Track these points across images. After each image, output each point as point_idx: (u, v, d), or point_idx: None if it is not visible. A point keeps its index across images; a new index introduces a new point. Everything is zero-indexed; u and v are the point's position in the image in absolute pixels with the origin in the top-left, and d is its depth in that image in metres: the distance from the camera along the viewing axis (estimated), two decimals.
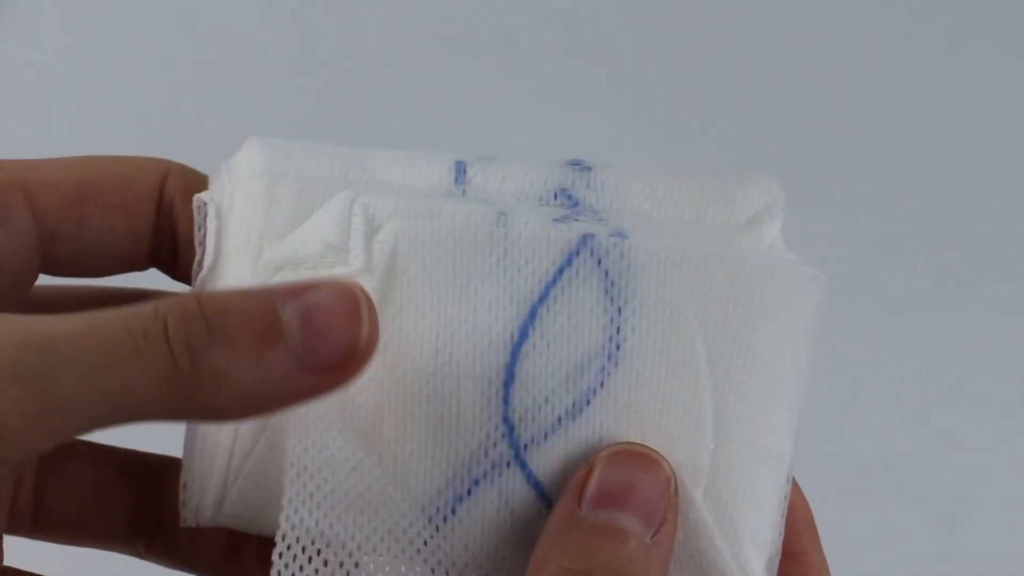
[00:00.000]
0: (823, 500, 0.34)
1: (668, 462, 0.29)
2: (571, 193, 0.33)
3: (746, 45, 0.79)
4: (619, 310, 0.30)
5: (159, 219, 0.33)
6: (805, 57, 0.79)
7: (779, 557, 0.31)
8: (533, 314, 0.30)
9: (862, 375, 0.67)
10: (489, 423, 0.30)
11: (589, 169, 0.33)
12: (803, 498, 0.32)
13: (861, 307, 0.67)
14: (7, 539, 0.34)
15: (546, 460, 0.30)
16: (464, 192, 0.32)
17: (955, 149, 0.76)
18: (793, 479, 0.31)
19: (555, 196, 0.32)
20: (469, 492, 0.30)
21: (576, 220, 0.31)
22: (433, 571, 0.30)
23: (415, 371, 0.30)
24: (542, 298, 0.30)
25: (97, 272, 0.34)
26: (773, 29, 0.80)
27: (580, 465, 0.29)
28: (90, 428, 0.26)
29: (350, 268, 0.30)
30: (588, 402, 0.30)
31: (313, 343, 0.27)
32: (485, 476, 0.30)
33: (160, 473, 0.36)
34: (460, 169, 0.32)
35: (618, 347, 0.30)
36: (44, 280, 0.34)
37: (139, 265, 0.34)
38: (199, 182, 0.33)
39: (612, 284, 0.30)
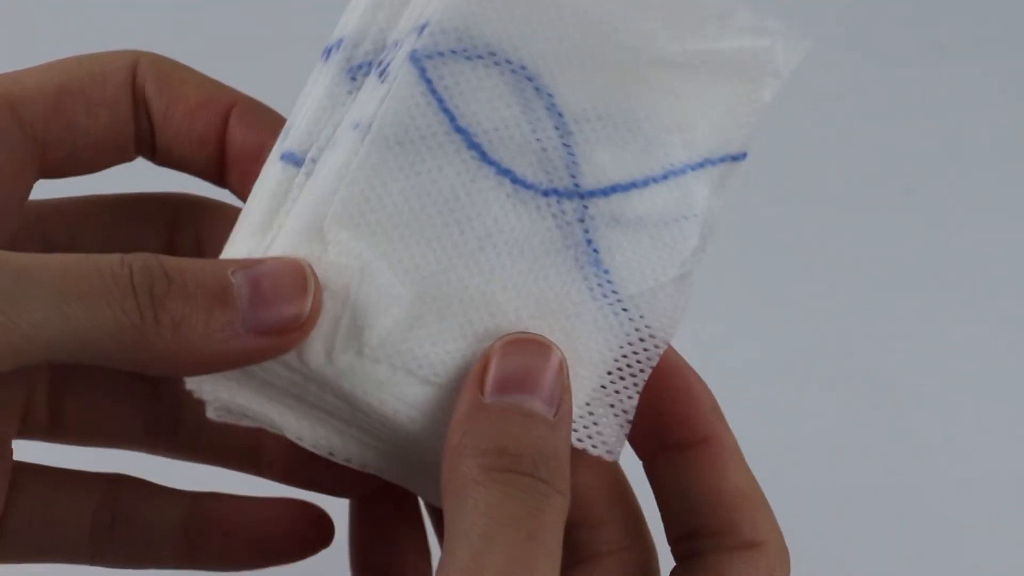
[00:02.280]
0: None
1: (558, 347, 0.31)
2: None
3: None
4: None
5: (136, 108, 0.35)
6: None
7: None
8: (473, 146, 0.30)
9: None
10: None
11: None
12: (703, 384, 0.33)
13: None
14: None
15: None
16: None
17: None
18: (681, 361, 0.33)
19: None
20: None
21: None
22: None
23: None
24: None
25: (90, 168, 0.35)
26: None
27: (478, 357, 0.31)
28: (48, 355, 0.28)
29: None
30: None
31: (259, 308, 0.29)
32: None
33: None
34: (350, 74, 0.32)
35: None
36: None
37: (127, 156, 0.36)
38: (168, 67, 0.35)
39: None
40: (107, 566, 0.38)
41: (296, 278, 0.30)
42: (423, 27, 0.29)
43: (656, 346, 0.32)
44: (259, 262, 0.30)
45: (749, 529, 0.32)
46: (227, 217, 0.36)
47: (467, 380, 0.30)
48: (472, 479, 0.29)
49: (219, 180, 0.36)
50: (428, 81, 0.29)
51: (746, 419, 0.62)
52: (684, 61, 0.32)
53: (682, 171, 0.32)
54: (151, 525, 0.38)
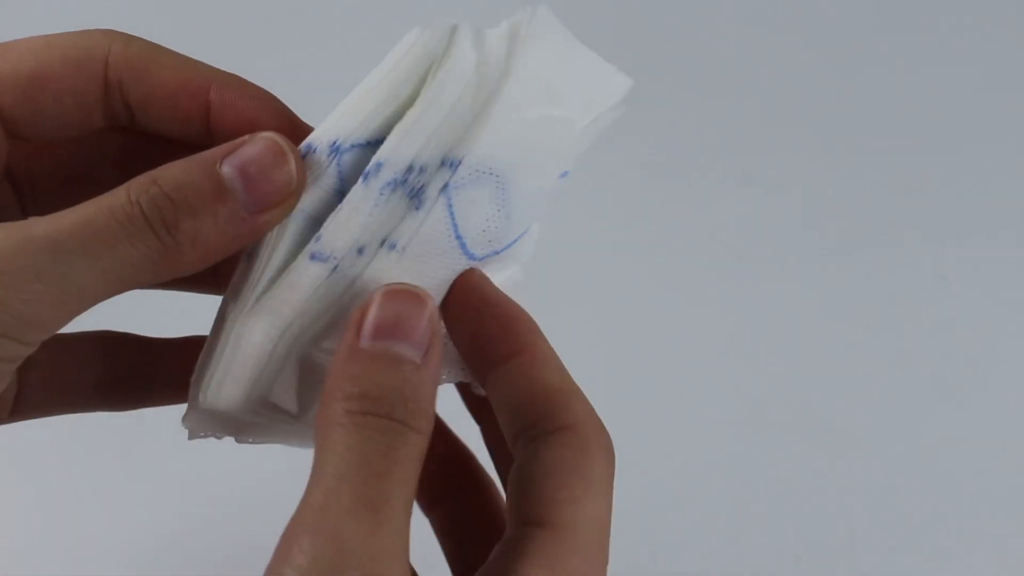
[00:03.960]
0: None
1: (431, 296, 0.33)
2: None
3: None
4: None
5: (108, 93, 0.36)
6: None
7: None
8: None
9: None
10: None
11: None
12: (518, 307, 0.36)
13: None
14: None
15: None
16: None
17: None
18: (497, 293, 0.36)
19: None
20: None
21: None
22: None
23: None
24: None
25: (58, 138, 0.38)
26: None
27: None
28: (97, 302, 0.32)
29: None
30: None
31: (254, 192, 0.33)
32: None
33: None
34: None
35: None
36: None
37: (94, 128, 0.37)
38: (142, 53, 0.36)
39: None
40: (116, 410, 0.42)
41: (275, 152, 0.33)
42: (455, 163, 0.34)
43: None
44: (238, 145, 0.33)
45: (561, 415, 0.34)
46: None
47: (347, 326, 0.33)
48: (335, 422, 0.31)
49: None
50: (450, 207, 0.35)
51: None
52: (586, 128, 0.37)
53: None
54: (151, 375, 0.41)
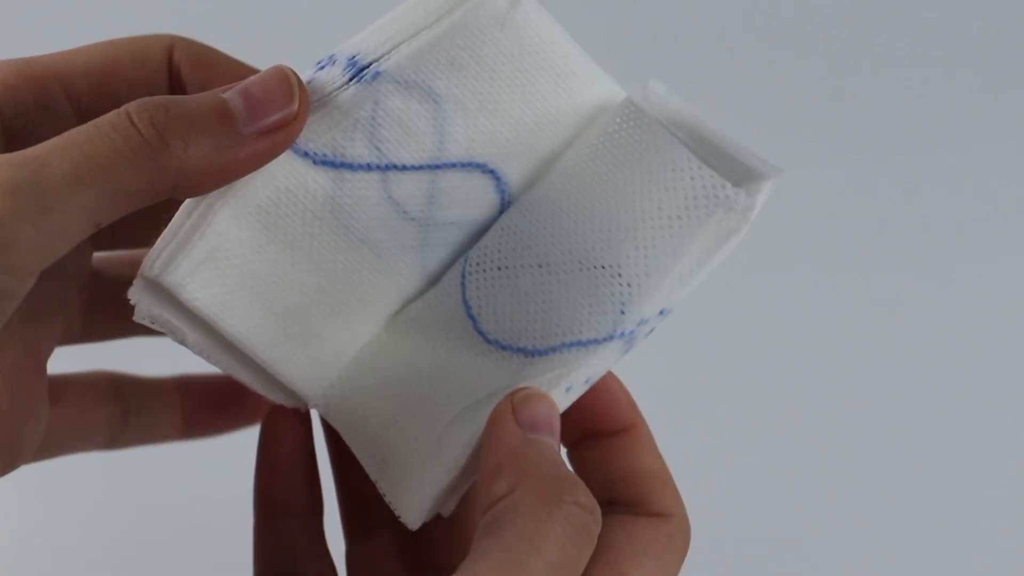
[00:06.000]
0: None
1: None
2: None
3: None
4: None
5: (172, 87, 0.38)
6: None
7: None
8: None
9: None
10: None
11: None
12: (619, 382, 0.38)
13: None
14: None
15: None
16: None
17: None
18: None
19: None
20: None
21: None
22: None
23: None
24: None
25: None
26: None
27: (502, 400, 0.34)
28: (89, 222, 0.31)
29: None
30: None
31: (256, 113, 0.32)
32: None
33: None
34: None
35: None
36: None
37: None
38: (201, 51, 0.38)
39: None
40: (119, 448, 0.43)
41: (281, 80, 0.33)
42: (665, 311, 0.37)
43: None
44: (244, 79, 0.33)
45: (658, 502, 0.36)
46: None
47: (499, 413, 0.34)
48: (547, 502, 0.31)
49: None
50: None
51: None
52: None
53: None
54: (156, 412, 0.43)
